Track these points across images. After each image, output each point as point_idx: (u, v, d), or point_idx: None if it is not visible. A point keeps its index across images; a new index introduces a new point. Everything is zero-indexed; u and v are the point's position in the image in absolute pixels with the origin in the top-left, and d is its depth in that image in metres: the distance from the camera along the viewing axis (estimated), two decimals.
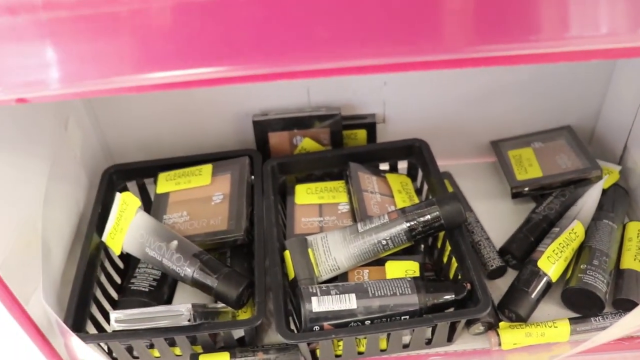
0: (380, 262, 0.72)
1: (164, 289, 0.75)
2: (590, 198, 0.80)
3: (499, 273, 0.78)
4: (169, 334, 0.64)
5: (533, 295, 0.71)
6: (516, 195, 0.87)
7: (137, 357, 0.70)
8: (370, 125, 0.90)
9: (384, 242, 0.70)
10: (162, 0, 0.44)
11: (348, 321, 0.65)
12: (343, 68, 0.47)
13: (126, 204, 0.73)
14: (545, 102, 0.91)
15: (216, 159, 0.85)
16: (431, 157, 0.82)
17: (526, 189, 0.86)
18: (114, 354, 0.69)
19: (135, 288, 0.73)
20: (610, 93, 0.89)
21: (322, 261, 0.71)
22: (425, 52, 0.46)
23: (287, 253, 0.72)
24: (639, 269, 0.73)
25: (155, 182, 0.84)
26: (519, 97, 0.90)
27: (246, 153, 0.85)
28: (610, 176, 0.85)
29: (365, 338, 0.66)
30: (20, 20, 0.44)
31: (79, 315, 0.68)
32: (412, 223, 0.70)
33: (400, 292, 0.66)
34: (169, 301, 0.76)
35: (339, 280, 0.72)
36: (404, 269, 0.72)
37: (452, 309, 0.67)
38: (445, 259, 0.74)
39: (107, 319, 0.71)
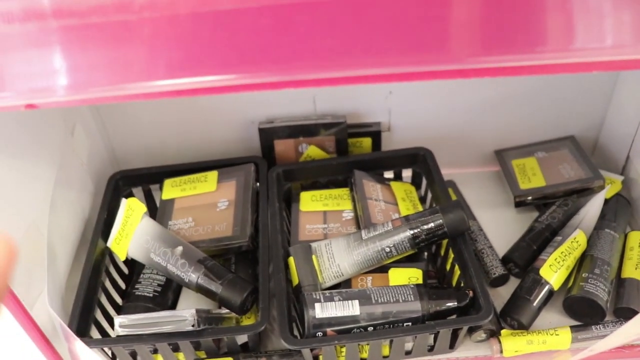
0: (383, 269, 0.73)
1: (168, 294, 0.75)
2: (593, 207, 0.80)
3: (501, 281, 0.78)
4: (173, 339, 0.65)
5: (535, 303, 0.72)
6: (519, 204, 0.87)
7: None
8: (375, 134, 0.90)
9: (387, 249, 0.70)
10: (170, 9, 0.45)
11: (351, 327, 0.65)
12: (349, 77, 0.47)
13: (132, 209, 0.73)
14: (549, 113, 0.91)
15: (222, 165, 0.85)
16: (435, 165, 0.82)
17: (529, 198, 0.86)
18: (117, 359, 0.69)
19: (139, 293, 0.74)
20: (613, 104, 0.89)
21: (326, 268, 0.71)
22: (431, 62, 0.47)
23: (291, 259, 0.72)
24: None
25: (160, 188, 0.85)
26: (523, 107, 0.90)
27: (252, 160, 0.86)
28: (612, 186, 0.85)
29: (367, 344, 0.67)
30: (30, 28, 0.45)
31: (83, 320, 0.69)
32: (415, 231, 0.70)
33: (403, 299, 0.66)
34: (173, 306, 0.76)
35: (343, 287, 0.72)
36: (407, 276, 0.72)
37: (454, 316, 0.67)
38: (448, 267, 0.74)
39: (112, 324, 0.71)
